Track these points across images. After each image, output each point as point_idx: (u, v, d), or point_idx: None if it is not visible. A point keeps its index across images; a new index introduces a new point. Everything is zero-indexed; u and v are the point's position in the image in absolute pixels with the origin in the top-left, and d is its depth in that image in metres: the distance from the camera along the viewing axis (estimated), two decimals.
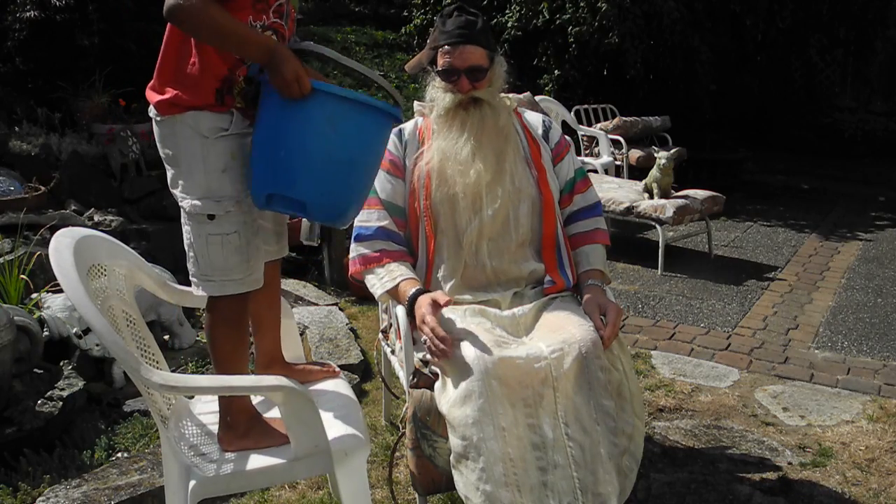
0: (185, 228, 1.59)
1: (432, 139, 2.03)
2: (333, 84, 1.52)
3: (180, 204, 1.57)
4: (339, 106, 1.48)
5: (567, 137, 2.21)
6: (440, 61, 1.97)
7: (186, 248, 1.60)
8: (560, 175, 2.12)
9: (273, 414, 1.70)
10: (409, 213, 2.04)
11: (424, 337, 1.78)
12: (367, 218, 2.04)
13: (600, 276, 2.04)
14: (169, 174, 1.59)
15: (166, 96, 1.51)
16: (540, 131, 2.14)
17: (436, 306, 1.80)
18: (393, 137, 2.08)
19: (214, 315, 1.63)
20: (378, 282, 1.98)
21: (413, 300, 1.87)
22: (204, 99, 1.51)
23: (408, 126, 2.13)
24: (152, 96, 1.54)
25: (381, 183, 2.05)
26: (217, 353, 1.65)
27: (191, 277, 1.62)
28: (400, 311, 1.92)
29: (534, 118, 2.18)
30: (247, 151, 1.58)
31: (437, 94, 2.00)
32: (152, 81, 1.55)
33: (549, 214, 2.02)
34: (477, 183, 1.94)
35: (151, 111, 1.56)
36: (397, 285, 1.93)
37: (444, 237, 2.00)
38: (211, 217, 1.54)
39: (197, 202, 1.54)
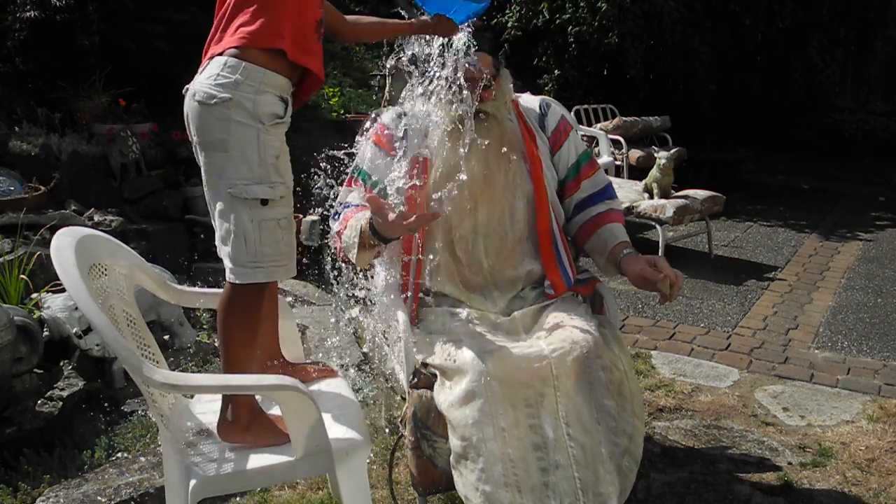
0: (230, 217, 1.56)
1: (440, 153, 1.96)
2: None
3: (228, 190, 1.54)
4: None
5: (568, 119, 2.12)
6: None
7: (230, 238, 1.57)
8: (561, 161, 2.06)
9: (274, 412, 1.70)
10: (405, 200, 1.95)
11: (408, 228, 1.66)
12: (342, 197, 2.02)
13: (630, 246, 1.98)
14: (210, 161, 1.56)
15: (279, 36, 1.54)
16: (536, 119, 2.07)
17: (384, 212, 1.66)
18: (392, 114, 2.04)
19: (234, 303, 1.62)
20: (352, 249, 1.86)
21: (371, 226, 1.74)
22: (308, 41, 1.59)
23: (410, 107, 2.04)
24: (256, 39, 1.53)
25: (372, 159, 2.01)
26: (230, 342, 1.64)
27: (232, 267, 1.59)
28: (400, 312, 1.92)
29: (530, 104, 2.10)
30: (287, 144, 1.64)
31: (443, 110, 1.93)
32: (253, 28, 1.54)
33: (543, 208, 1.97)
34: (470, 181, 1.91)
35: (201, 94, 1.52)
36: (360, 235, 1.81)
37: (437, 228, 1.96)
38: (264, 202, 1.56)
39: (250, 187, 1.54)
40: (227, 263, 1.60)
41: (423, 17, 1.91)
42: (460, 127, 1.91)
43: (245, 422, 1.60)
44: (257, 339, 1.70)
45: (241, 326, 1.64)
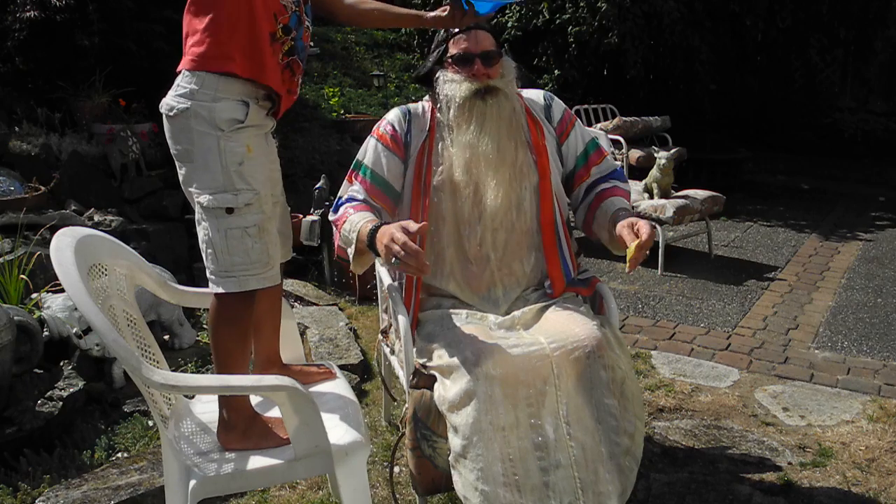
0: (202, 225, 1.58)
1: (450, 136, 1.97)
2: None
3: (196, 200, 1.56)
4: None
5: (571, 111, 2.15)
6: (453, 50, 1.95)
7: (203, 247, 1.59)
8: (569, 151, 2.08)
9: (273, 413, 1.70)
10: (411, 198, 1.99)
11: (394, 252, 1.59)
12: (343, 192, 2.02)
13: (629, 211, 1.97)
14: (182, 172, 1.58)
15: (235, 60, 1.51)
16: (541, 110, 2.09)
17: (405, 231, 1.60)
18: (398, 113, 2.05)
19: (220, 313, 1.62)
20: (349, 246, 1.86)
21: (373, 234, 1.71)
22: (262, 55, 1.54)
23: (416, 106, 2.08)
24: (211, 62, 1.52)
25: (375, 155, 2.01)
26: (219, 351, 1.65)
27: (209, 276, 1.61)
28: (401, 313, 1.92)
29: (534, 96, 2.12)
30: (262, 145, 1.60)
31: (452, 88, 1.94)
32: (202, 49, 1.52)
33: (547, 199, 1.99)
34: (485, 172, 1.92)
35: (165, 106, 1.55)
36: (358, 234, 1.80)
37: (444, 224, 1.97)
38: (229, 211, 1.54)
39: (215, 196, 1.54)
40: (207, 272, 1.62)
41: (436, 12, 1.88)
42: (470, 104, 1.92)
43: (242, 427, 1.60)
44: (248, 349, 1.69)
45: (228, 336, 1.63)
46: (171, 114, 1.54)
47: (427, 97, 2.10)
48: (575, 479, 1.61)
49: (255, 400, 1.74)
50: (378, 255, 1.73)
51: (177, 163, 1.59)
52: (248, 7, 1.52)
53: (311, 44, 1.71)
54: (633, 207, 4.38)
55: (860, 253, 4.99)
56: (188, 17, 1.56)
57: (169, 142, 1.59)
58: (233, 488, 1.60)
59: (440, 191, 1.95)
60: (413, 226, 1.62)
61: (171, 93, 1.57)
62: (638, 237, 1.74)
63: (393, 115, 2.06)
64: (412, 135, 2.02)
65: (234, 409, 1.61)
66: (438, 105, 2.00)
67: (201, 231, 1.59)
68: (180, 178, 1.60)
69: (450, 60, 1.96)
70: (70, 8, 4.36)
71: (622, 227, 1.80)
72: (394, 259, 1.60)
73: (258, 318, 1.77)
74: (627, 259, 1.72)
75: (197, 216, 1.59)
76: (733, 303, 3.93)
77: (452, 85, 1.94)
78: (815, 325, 3.62)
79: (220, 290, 1.59)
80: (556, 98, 2.14)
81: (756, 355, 3.23)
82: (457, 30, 1.94)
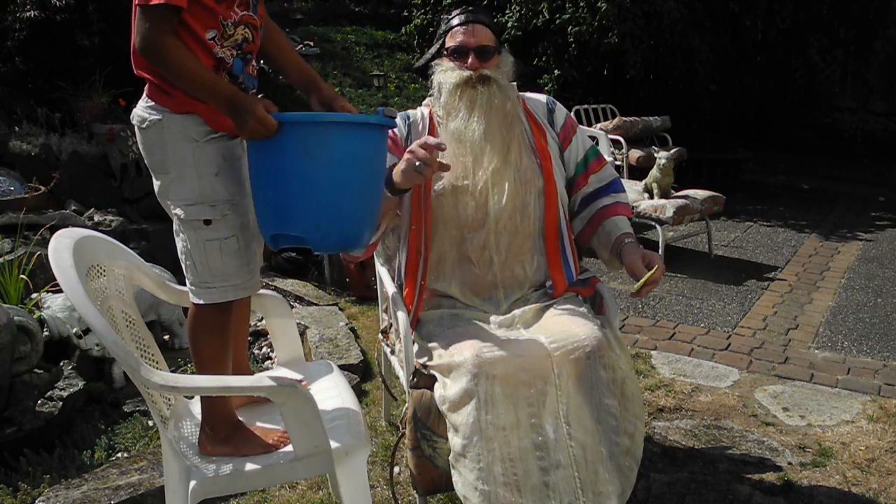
0: (180, 237, 1.56)
1: (440, 127, 1.99)
2: (301, 113, 1.47)
3: (173, 212, 1.55)
4: (309, 132, 1.43)
5: (573, 116, 2.16)
6: (450, 43, 1.96)
7: (182, 258, 1.57)
8: (570, 157, 2.09)
9: (262, 424, 1.70)
10: (412, 202, 1.98)
11: (419, 157, 1.65)
12: None
13: (633, 237, 2.00)
14: (158, 183, 1.57)
15: (175, 96, 1.48)
16: (544, 115, 2.10)
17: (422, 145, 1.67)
18: (399, 118, 2.05)
19: (200, 322, 1.61)
20: None
21: (389, 171, 1.74)
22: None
23: (415, 112, 2.09)
24: (160, 97, 1.49)
25: None
26: (202, 359, 1.63)
27: (189, 286, 1.59)
28: (400, 312, 1.92)
29: (536, 100, 2.13)
30: (237, 154, 1.58)
31: (445, 76, 1.96)
32: (158, 91, 1.51)
33: (552, 203, 1.99)
34: (484, 175, 1.92)
35: (136, 118, 1.53)
36: None
37: (445, 228, 1.97)
38: (207, 222, 1.52)
39: (191, 207, 1.52)
40: (187, 283, 1.60)
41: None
42: (462, 91, 1.93)
43: (224, 434, 1.59)
44: (229, 355, 1.67)
45: (209, 344, 1.62)
46: (143, 126, 1.52)
47: (427, 101, 2.10)
48: (575, 479, 1.61)
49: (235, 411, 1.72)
50: (394, 193, 1.78)
51: (152, 174, 1.57)
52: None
53: (255, 65, 1.67)
54: (632, 208, 4.39)
55: (860, 253, 4.99)
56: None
57: (142, 153, 1.56)
58: (233, 489, 1.60)
59: (441, 195, 1.95)
60: (432, 139, 1.67)
61: (141, 103, 1.53)
62: (654, 269, 1.81)
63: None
64: (412, 139, 2.02)
65: (217, 418, 1.60)
66: (431, 92, 2.02)
67: (179, 242, 1.57)
68: (156, 189, 1.58)
69: (446, 52, 1.98)
70: (70, 8, 4.37)
71: (638, 264, 1.86)
72: (417, 163, 1.64)
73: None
74: (639, 286, 1.80)
75: (175, 227, 1.57)
76: (733, 303, 3.93)
77: (445, 73, 1.97)
78: (815, 325, 3.62)
79: (203, 301, 1.57)
80: (558, 103, 2.15)
81: (756, 355, 3.23)
82: (455, 22, 1.97)
